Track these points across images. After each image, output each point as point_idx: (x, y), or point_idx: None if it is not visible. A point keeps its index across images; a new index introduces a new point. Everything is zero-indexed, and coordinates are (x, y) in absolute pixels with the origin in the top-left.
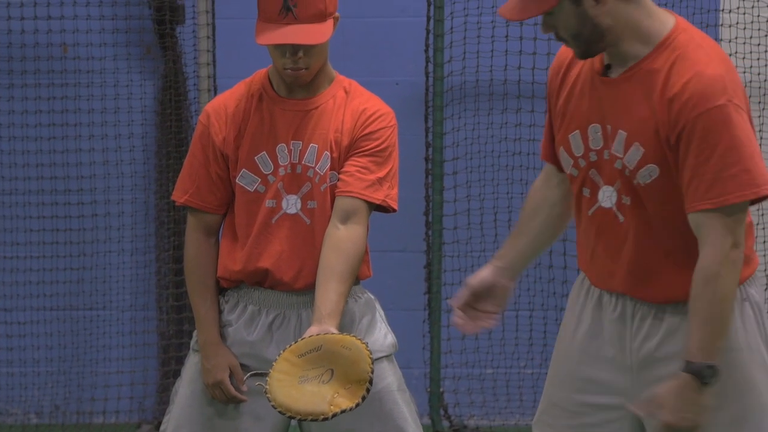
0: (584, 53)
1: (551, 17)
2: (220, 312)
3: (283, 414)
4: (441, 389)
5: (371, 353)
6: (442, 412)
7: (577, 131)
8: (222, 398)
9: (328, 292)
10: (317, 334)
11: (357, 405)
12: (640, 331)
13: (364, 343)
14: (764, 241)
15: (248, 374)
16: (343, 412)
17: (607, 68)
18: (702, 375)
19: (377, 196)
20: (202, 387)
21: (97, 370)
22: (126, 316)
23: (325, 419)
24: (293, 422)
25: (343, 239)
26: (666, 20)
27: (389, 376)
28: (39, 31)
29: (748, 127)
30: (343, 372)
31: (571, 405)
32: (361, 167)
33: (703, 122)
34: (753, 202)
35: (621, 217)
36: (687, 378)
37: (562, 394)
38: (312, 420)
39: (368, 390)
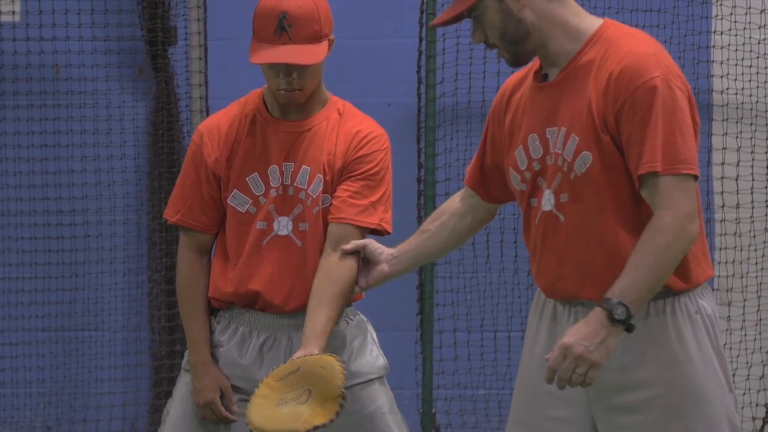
0: (514, 56)
1: (478, 22)
2: (212, 332)
3: None
4: (433, 410)
5: (343, 368)
6: None
7: (520, 146)
8: (213, 419)
9: (317, 315)
10: (297, 358)
11: (331, 420)
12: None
13: (339, 360)
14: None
15: (236, 399)
16: (316, 428)
17: (544, 77)
18: (614, 311)
19: (371, 221)
20: (194, 407)
21: (89, 391)
22: (118, 336)
23: None
24: None
25: (333, 265)
26: (594, 19)
27: (380, 398)
28: (31, 52)
29: (686, 103)
30: (320, 391)
31: (534, 420)
32: (354, 192)
33: (642, 94)
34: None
35: (561, 217)
36: (599, 311)
37: (526, 411)
38: None
39: (341, 405)
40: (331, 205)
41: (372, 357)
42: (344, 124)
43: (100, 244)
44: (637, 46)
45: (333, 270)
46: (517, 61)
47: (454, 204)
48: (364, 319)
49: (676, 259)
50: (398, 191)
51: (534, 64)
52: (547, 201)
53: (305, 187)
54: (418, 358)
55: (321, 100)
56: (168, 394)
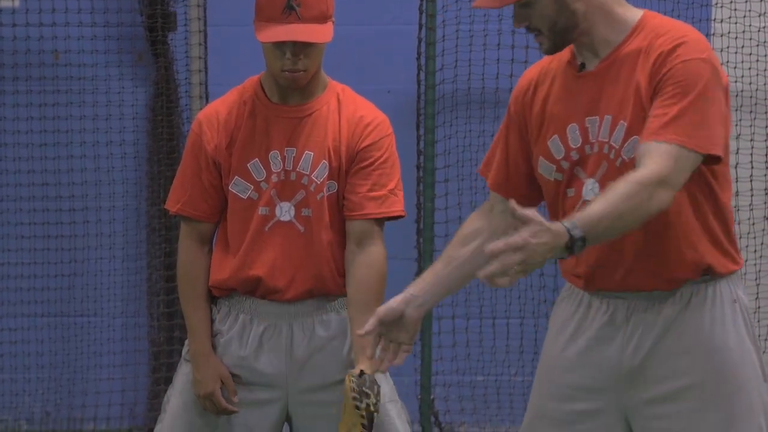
0: (555, 45)
1: (527, 8)
2: (212, 321)
3: None
4: (432, 397)
5: (357, 381)
6: (432, 419)
7: (556, 136)
8: (213, 410)
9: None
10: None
11: None
12: (633, 336)
13: (351, 375)
14: (755, 251)
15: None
16: None
17: (582, 66)
18: (572, 234)
19: (396, 209)
20: (194, 398)
21: (88, 377)
22: (117, 322)
23: None
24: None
25: (360, 266)
26: (635, 10)
27: (381, 387)
28: (31, 38)
29: (723, 102)
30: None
31: (560, 414)
32: (372, 184)
33: (684, 68)
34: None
35: None
36: (558, 225)
37: (550, 404)
38: None
39: (362, 422)
40: (346, 200)
41: None
42: (345, 108)
43: (99, 230)
44: (689, 32)
45: (366, 276)
46: (555, 50)
47: (488, 223)
48: None
49: (640, 218)
50: None
51: (560, 54)
52: (590, 190)
53: (308, 173)
54: (417, 344)
55: (321, 85)
56: (167, 380)
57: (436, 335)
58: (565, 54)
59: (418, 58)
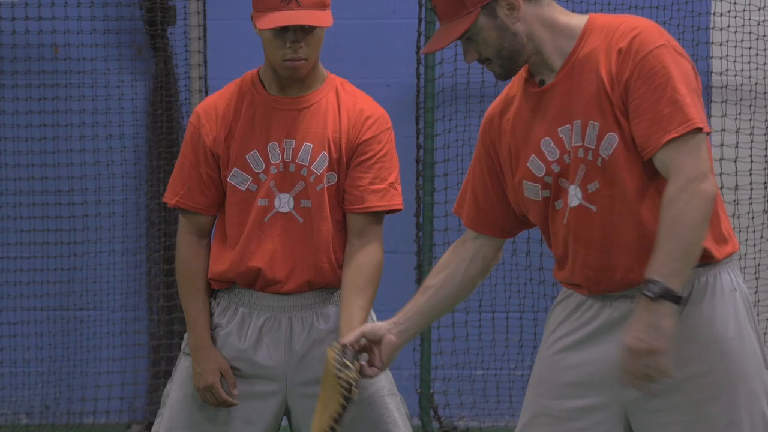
0: (507, 70)
1: (471, 42)
2: (211, 314)
3: None
4: (431, 390)
5: (339, 351)
6: (432, 413)
7: (532, 155)
8: (213, 402)
9: (351, 307)
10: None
11: (339, 414)
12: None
13: (334, 346)
14: (755, 244)
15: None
16: (333, 429)
17: (541, 83)
18: (646, 290)
19: (396, 202)
20: (194, 391)
21: (88, 371)
22: (116, 316)
23: None
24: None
25: (358, 255)
26: (579, 16)
27: (380, 380)
28: (30, 32)
29: (692, 70)
30: (328, 387)
31: (558, 412)
32: (373, 178)
33: (649, 63)
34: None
35: (593, 207)
36: (638, 298)
37: (548, 402)
38: None
39: (342, 394)
40: (347, 193)
41: None
42: (345, 101)
43: (98, 224)
44: (639, 22)
45: (362, 263)
46: (507, 75)
47: (457, 253)
48: None
49: (696, 221)
50: None
51: (515, 79)
52: (573, 196)
53: (307, 164)
54: (416, 338)
55: (319, 77)
56: (166, 374)
57: (436, 329)
58: (519, 77)
59: (418, 52)
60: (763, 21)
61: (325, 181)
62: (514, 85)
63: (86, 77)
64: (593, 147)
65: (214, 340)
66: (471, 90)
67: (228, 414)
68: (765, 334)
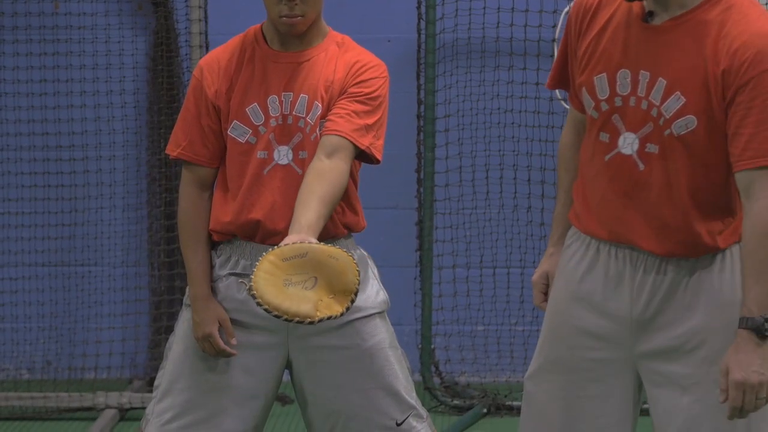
0: None
1: None
2: (212, 266)
3: (269, 312)
4: (432, 346)
5: (358, 266)
6: (433, 368)
7: (604, 74)
8: (211, 351)
9: (309, 210)
10: (299, 242)
11: (342, 314)
12: (643, 286)
13: (350, 255)
14: None
15: (227, 272)
16: (329, 318)
17: (649, 15)
18: (761, 329)
19: (363, 141)
20: (195, 342)
21: (89, 326)
22: (118, 272)
23: (311, 323)
24: (283, 390)
25: (326, 168)
26: None
27: (381, 333)
28: None
29: None
30: (328, 281)
31: (571, 361)
32: (351, 111)
33: (766, 79)
34: None
35: (641, 165)
36: (745, 334)
37: (562, 352)
38: (298, 322)
39: (353, 301)
40: (326, 120)
41: (373, 291)
42: (343, 54)
43: (99, 180)
44: (765, 25)
45: (325, 173)
46: None
47: (570, 140)
48: (365, 253)
49: None
50: (398, 128)
51: None
52: (627, 145)
53: (304, 115)
54: (417, 294)
55: (320, 33)
56: (168, 330)
57: (437, 285)
58: None
59: (419, 7)
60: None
61: (317, 130)
62: None
63: (86, 33)
64: (667, 116)
65: (215, 291)
66: (472, 46)
67: (228, 363)
68: None
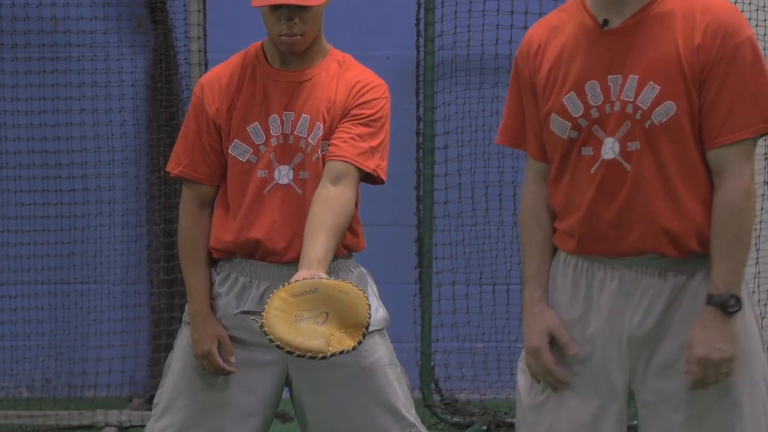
0: None
1: None
2: (212, 284)
3: (282, 349)
4: (432, 363)
5: (368, 299)
6: (433, 385)
7: (572, 92)
8: (210, 369)
9: (317, 242)
10: (309, 278)
11: (354, 348)
12: (642, 302)
13: (360, 289)
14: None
15: (238, 311)
16: (341, 353)
17: (605, 23)
18: (726, 305)
19: (369, 165)
20: (194, 360)
21: (89, 344)
22: (117, 290)
23: (324, 358)
24: (283, 400)
25: (332, 197)
26: None
27: (380, 350)
28: (29, 5)
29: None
30: (339, 316)
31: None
32: (355, 135)
33: (740, 53)
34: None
35: (627, 166)
36: (711, 310)
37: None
38: (310, 357)
39: (364, 335)
40: (330, 145)
41: (372, 309)
42: (344, 74)
43: (99, 197)
44: (723, 2)
45: (332, 202)
46: None
47: (540, 201)
48: (365, 271)
49: (752, 223)
50: (397, 144)
51: (566, 8)
52: (609, 149)
53: (305, 136)
54: (417, 311)
55: (321, 51)
56: (167, 347)
57: (436, 302)
58: (575, 9)
59: (418, 24)
60: None
61: (319, 151)
62: (564, 14)
63: (86, 50)
64: (645, 107)
65: (214, 309)
66: (471, 62)
67: (227, 381)
68: (767, 306)
